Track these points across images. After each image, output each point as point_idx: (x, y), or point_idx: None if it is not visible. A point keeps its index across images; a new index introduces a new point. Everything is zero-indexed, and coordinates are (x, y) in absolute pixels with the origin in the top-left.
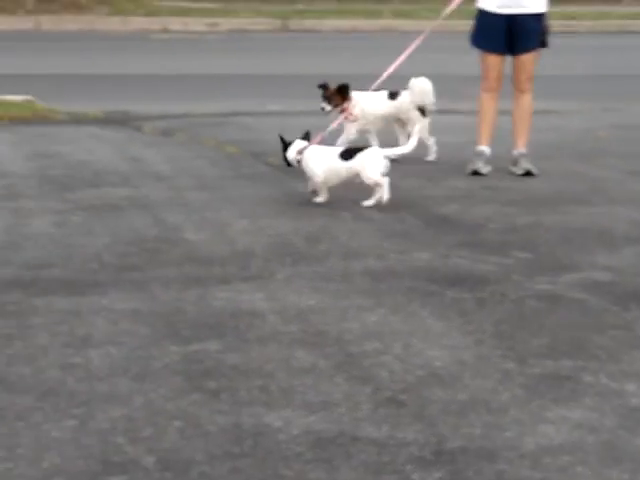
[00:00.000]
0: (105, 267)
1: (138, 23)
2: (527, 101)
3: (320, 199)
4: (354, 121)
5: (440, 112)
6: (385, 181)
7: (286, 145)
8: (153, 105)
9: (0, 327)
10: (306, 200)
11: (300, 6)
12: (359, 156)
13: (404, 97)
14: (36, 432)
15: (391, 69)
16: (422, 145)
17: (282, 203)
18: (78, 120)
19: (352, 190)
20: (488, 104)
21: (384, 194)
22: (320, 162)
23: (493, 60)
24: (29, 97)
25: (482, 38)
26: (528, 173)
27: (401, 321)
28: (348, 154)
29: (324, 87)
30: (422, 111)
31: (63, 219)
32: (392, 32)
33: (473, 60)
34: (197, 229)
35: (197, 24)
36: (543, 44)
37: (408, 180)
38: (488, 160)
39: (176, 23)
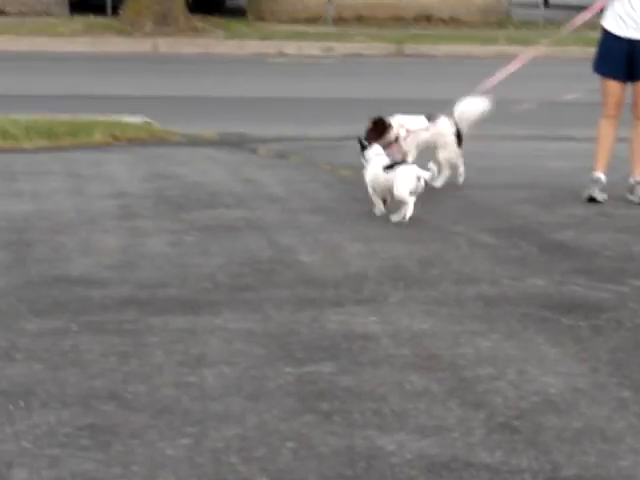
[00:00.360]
0: (219, 287)
1: (254, 47)
2: None
3: (375, 210)
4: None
5: (555, 138)
6: (411, 200)
7: (363, 148)
8: (268, 128)
9: (116, 345)
10: (420, 224)
11: (414, 31)
12: (395, 170)
13: (444, 121)
14: (151, 450)
15: (488, 84)
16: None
17: (395, 227)
18: (194, 142)
19: (465, 216)
20: (606, 130)
21: (407, 212)
22: (369, 171)
23: (613, 86)
24: (146, 119)
25: (603, 63)
26: None
27: (515, 347)
28: (390, 167)
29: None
30: (459, 136)
31: (178, 239)
32: (507, 58)
33: (588, 86)
34: (311, 251)
35: (312, 48)
36: None
37: (522, 206)
38: (604, 187)
39: (291, 47)
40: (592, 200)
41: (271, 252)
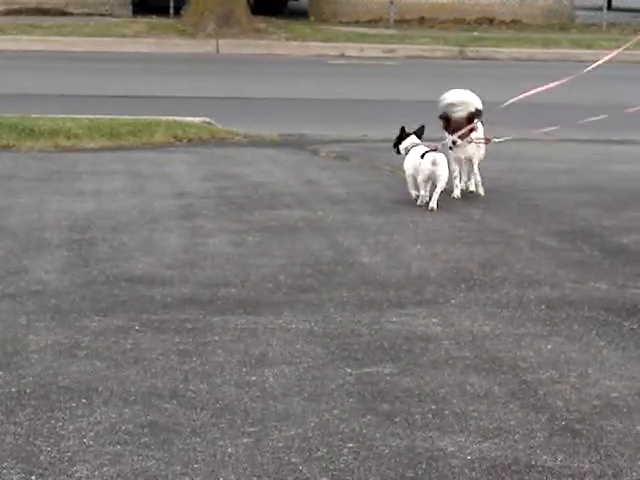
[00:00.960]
0: (281, 287)
1: (315, 48)
2: None
3: (411, 192)
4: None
5: (618, 142)
6: (427, 187)
7: (402, 137)
8: (329, 129)
9: (177, 344)
10: (482, 226)
11: (476, 34)
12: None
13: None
14: (212, 448)
15: (529, 93)
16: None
17: (457, 229)
18: (255, 142)
19: (527, 218)
20: None
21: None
22: (409, 158)
23: None
24: (207, 119)
25: None
26: None
27: (577, 350)
28: (424, 154)
29: (445, 119)
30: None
31: (240, 239)
32: (569, 61)
33: None
34: (372, 252)
35: (374, 50)
36: None
37: (585, 209)
38: None
39: (353, 49)
40: None
41: (332, 253)
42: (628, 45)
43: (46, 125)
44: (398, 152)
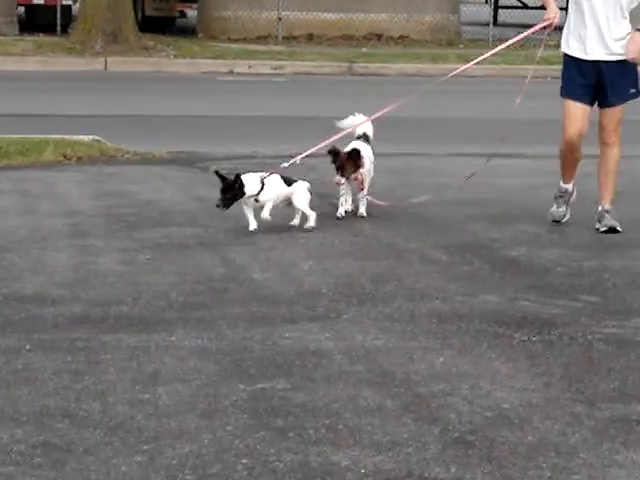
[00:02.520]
0: (173, 305)
1: (205, 65)
2: (614, 155)
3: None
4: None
5: (505, 156)
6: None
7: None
8: (219, 146)
9: (69, 363)
10: (373, 241)
11: (365, 50)
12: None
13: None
14: (106, 467)
15: (383, 111)
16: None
17: (348, 244)
18: (145, 160)
19: (417, 232)
20: (570, 157)
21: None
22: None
23: (575, 110)
24: (97, 137)
25: (567, 85)
26: (611, 230)
27: (469, 363)
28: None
29: (334, 154)
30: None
31: (131, 257)
32: (458, 76)
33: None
34: (263, 269)
35: (262, 66)
36: (637, 94)
37: (473, 223)
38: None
39: (242, 65)
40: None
41: (224, 270)
42: (478, 60)
43: None
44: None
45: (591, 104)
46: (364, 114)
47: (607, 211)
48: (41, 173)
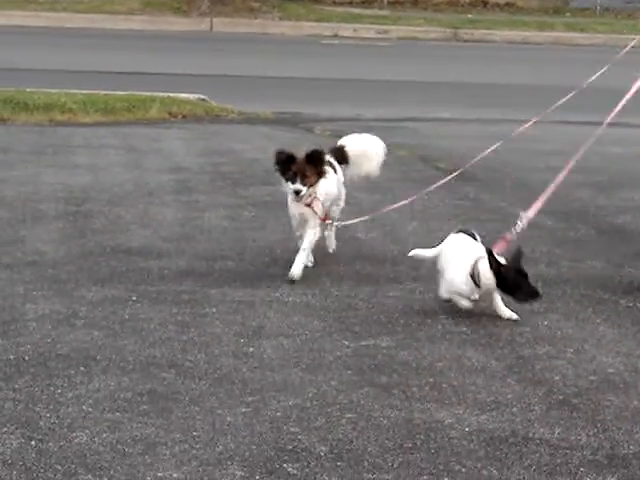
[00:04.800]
0: (277, 261)
1: (309, 28)
2: None
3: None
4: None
5: (611, 124)
6: None
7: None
8: (323, 108)
9: (175, 314)
10: (478, 204)
11: (470, 16)
12: None
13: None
14: (211, 417)
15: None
16: None
17: (452, 207)
18: (249, 120)
19: (523, 198)
20: None
21: None
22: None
23: None
24: (202, 96)
25: None
26: None
27: (574, 327)
28: None
29: (289, 159)
30: None
31: (236, 214)
32: (563, 45)
33: None
34: (368, 229)
35: (367, 31)
36: None
37: (580, 190)
38: None
39: (346, 29)
40: None
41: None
42: None
43: (41, 99)
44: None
45: None
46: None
47: None
48: (147, 130)
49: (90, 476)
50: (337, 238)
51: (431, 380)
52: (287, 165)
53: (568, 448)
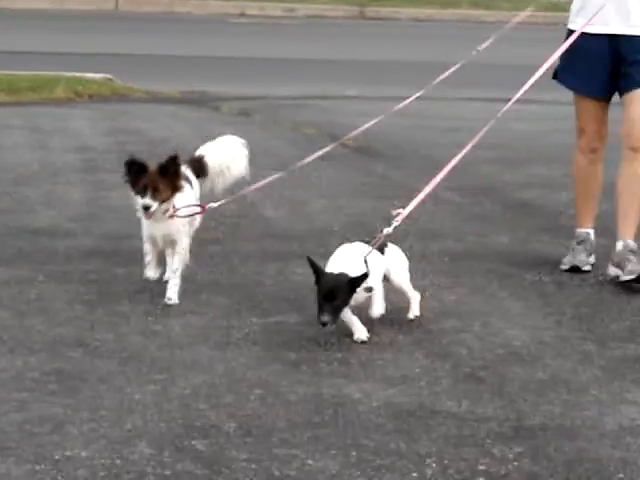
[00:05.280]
0: None
1: (216, 7)
2: None
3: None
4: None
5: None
6: None
7: None
8: (230, 87)
9: (82, 294)
10: (385, 181)
11: None
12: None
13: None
14: (119, 395)
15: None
16: None
17: (360, 184)
18: (156, 99)
19: (430, 174)
20: (586, 171)
21: None
22: None
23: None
24: (108, 75)
25: (572, 73)
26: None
27: (480, 301)
28: None
29: (140, 169)
30: None
31: None
32: (469, 22)
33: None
34: (276, 207)
35: (274, 9)
36: None
37: (487, 165)
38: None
39: (253, 8)
40: (576, 270)
41: (236, 207)
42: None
43: None
44: None
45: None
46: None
47: (632, 251)
48: (53, 110)
49: None
50: (243, 216)
51: (339, 356)
52: (137, 177)
53: (475, 420)
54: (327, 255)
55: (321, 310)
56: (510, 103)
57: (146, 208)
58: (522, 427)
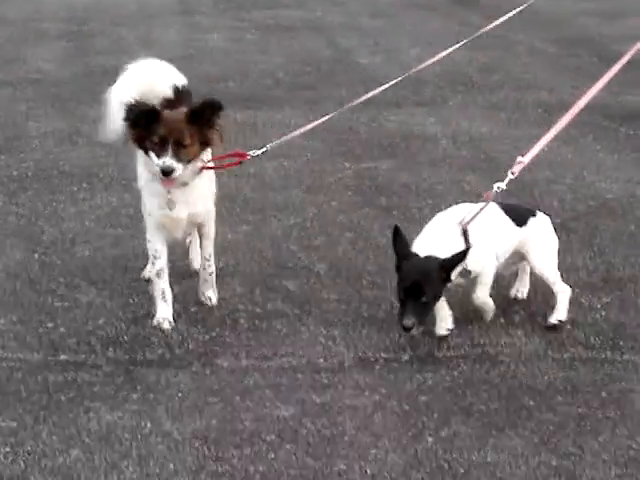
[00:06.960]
0: (280, 84)
1: None
2: None
3: None
4: None
5: None
6: None
7: None
8: None
9: None
10: (483, 34)
11: None
12: None
13: None
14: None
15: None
16: None
17: (456, 33)
18: None
19: (527, 25)
20: None
21: None
22: None
23: None
24: None
25: None
26: None
27: (573, 153)
28: None
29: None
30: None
31: (238, 36)
32: None
33: None
34: (371, 53)
35: None
36: None
37: (585, 17)
38: None
39: None
40: None
41: (330, 52)
42: None
43: None
44: None
45: None
46: None
47: None
48: None
49: (93, 288)
50: (338, 62)
51: (430, 202)
52: (151, 126)
53: (564, 270)
54: (421, 103)
55: (404, 309)
56: None
57: (166, 172)
58: (611, 278)
